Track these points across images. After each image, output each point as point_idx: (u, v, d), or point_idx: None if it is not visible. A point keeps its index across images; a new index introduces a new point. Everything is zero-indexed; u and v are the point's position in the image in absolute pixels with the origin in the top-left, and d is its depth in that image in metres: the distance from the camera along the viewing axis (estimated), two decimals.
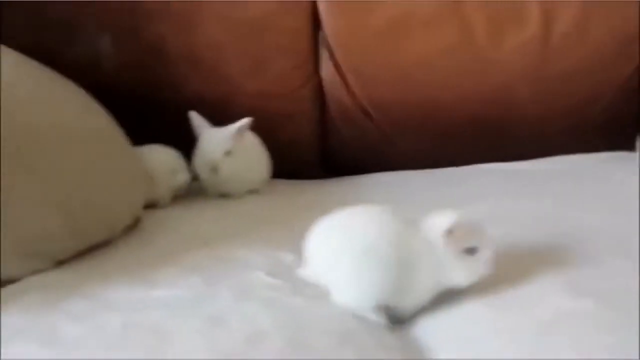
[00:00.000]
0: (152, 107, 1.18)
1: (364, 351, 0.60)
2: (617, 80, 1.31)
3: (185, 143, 1.10)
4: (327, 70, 1.25)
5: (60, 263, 0.78)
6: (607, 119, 1.32)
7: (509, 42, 1.27)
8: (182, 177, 1.06)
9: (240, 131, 1.06)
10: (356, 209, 0.70)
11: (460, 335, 0.64)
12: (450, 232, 0.65)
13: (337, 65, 1.25)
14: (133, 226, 0.95)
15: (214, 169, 1.05)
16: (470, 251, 0.66)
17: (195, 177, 1.09)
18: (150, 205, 1.03)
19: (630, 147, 1.29)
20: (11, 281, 0.69)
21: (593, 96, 1.31)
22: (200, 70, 1.19)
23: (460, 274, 0.66)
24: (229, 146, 1.05)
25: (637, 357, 0.53)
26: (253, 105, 1.22)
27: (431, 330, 0.66)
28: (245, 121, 1.07)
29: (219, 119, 1.18)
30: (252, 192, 1.12)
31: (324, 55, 1.25)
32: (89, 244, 0.82)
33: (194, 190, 1.11)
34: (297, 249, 0.84)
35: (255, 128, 1.20)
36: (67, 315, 0.62)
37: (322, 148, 1.30)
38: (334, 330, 0.62)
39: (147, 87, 1.18)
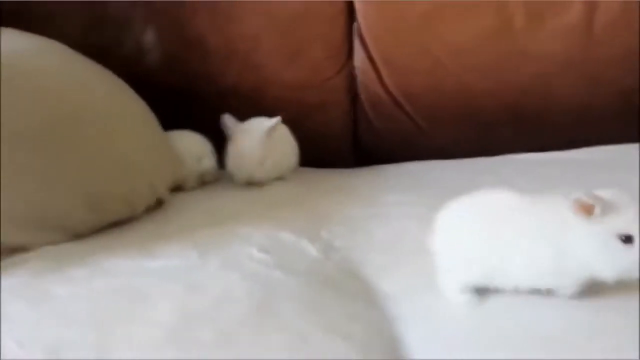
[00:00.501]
0: (190, 97, 1.24)
1: (327, 319, 0.62)
2: None
3: (221, 132, 1.14)
4: (360, 60, 1.27)
5: (78, 236, 0.85)
6: None
7: (548, 29, 1.23)
8: (207, 162, 1.11)
9: (271, 132, 1.09)
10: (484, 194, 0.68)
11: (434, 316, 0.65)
12: (584, 207, 0.57)
13: (369, 55, 1.26)
14: (157, 206, 1.00)
15: (251, 178, 1.08)
16: (627, 239, 0.57)
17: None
18: (178, 188, 1.08)
19: None
20: (25, 249, 0.76)
21: (638, 84, 1.24)
22: (236, 62, 1.24)
23: (606, 264, 0.58)
24: (262, 155, 1.07)
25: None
26: (287, 95, 1.26)
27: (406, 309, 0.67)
28: (275, 121, 1.09)
29: (254, 108, 1.23)
30: (279, 179, 1.15)
31: (357, 45, 1.27)
32: (107, 221, 0.89)
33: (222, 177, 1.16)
34: (304, 230, 0.88)
35: (288, 117, 1.24)
36: (62, 279, 0.67)
37: (354, 138, 1.32)
38: (303, 299, 0.65)
39: (186, 78, 1.25)
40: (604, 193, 0.58)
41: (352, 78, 1.28)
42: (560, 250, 0.59)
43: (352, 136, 1.32)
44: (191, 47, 1.24)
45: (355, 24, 1.26)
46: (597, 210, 0.57)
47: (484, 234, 0.64)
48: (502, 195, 0.66)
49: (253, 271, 0.71)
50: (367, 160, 1.32)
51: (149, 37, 1.24)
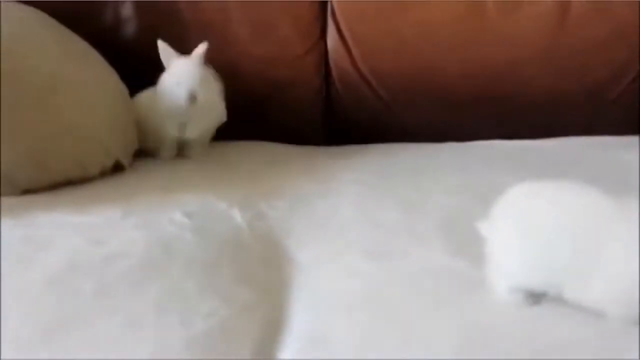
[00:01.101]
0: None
1: (214, 281, 0.65)
2: None
3: None
4: (332, 38, 1.28)
5: (26, 192, 0.89)
6: (629, 99, 1.23)
7: (522, 14, 1.23)
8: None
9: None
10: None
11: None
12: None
13: (341, 35, 1.27)
14: (117, 170, 1.04)
15: (194, 97, 1.03)
16: None
17: None
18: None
19: None
20: None
21: (613, 74, 1.23)
22: (209, 34, 1.25)
23: None
24: (203, 74, 1.06)
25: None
26: (258, 71, 1.28)
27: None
28: (203, 47, 1.08)
29: (227, 81, 1.26)
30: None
31: (330, 25, 1.28)
32: (56, 180, 0.93)
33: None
34: (242, 200, 0.91)
35: (260, 92, 1.27)
36: None
37: (326, 116, 1.33)
38: (198, 260, 0.68)
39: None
40: None
41: (324, 55, 1.29)
42: None
43: (323, 114, 1.33)
44: (166, 20, 1.26)
45: (329, 4, 1.27)
46: None
47: (560, 236, 0.54)
48: (587, 192, 0.55)
49: (163, 232, 0.74)
50: (339, 139, 1.34)
51: (127, 9, 1.27)
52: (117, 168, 1.05)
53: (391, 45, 1.26)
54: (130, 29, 1.28)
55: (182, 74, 1.05)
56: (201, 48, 1.07)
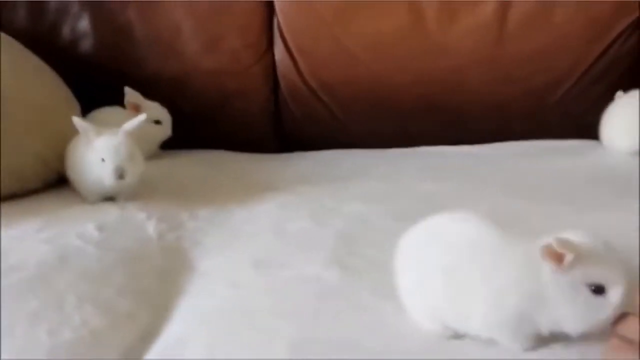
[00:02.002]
0: (120, 81, 1.32)
1: (100, 292, 0.70)
2: (581, 65, 1.23)
3: None
4: (279, 51, 1.32)
5: None
6: (570, 104, 1.25)
7: (460, 25, 1.26)
8: None
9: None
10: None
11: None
12: (554, 255, 0.51)
13: (287, 47, 1.31)
14: (63, 182, 1.10)
15: (122, 176, 0.93)
16: (598, 290, 0.51)
17: None
18: None
19: (595, 135, 1.22)
20: None
21: (554, 80, 1.25)
22: (159, 49, 1.32)
23: (570, 316, 0.52)
24: (133, 149, 0.95)
25: None
26: (207, 82, 1.33)
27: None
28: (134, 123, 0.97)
29: (177, 93, 1.32)
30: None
31: (277, 38, 1.32)
32: None
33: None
34: (165, 211, 0.95)
35: (210, 103, 1.32)
36: None
37: (276, 124, 1.37)
38: (89, 273, 0.74)
39: (117, 64, 1.33)
40: (576, 237, 0.52)
41: (272, 67, 1.33)
42: (525, 298, 0.53)
43: (273, 123, 1.38)
44: (121, 34, 1.32)
45: (275, 17, 1.31)
46: (568, 258, 0.51)
47: (439, 271, 0.57)
48: (469, 225, 0.58)
49: (66, 246, 0.79)
50: (291, 147, 1.38)
51: (83, 25, 1.33)
52: (62, 180, 1.11)
53: (336, 57, 1.29)
54: (87, 44, 1.34)
55: (109, 150, 0.93)
56: (130, 125, 0.96)
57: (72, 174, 1.01)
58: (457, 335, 0.58)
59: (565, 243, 0.51)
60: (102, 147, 0.93)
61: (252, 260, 0.79)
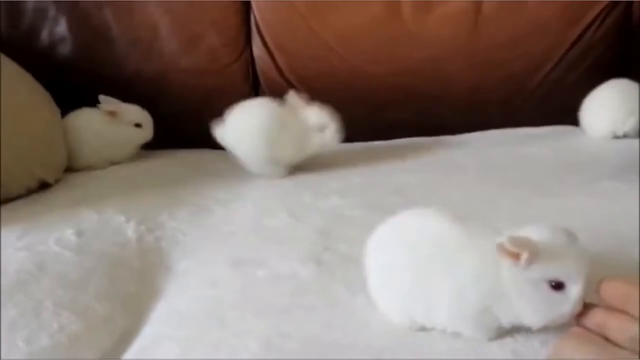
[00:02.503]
0: (100, 82, 1.34)
1: (76, 297, 0.71)
2: (558, 50, 1.24)
3: None
4: (257, 47, 1.33)
5: None
6: (547, 91, 1.26)
7: (436, 15, 1.26)
8: None
9: None
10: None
11: None
12: (510, 253, 0.51)
13: (265, 43, 1.32)
14: (45, 187, 1.11)
15: None
16: (557, 286, 0.51)
17: None
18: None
19: (574, 120, 1.23)
20: None
21: (530, 67, 1.25)
22: (137, 50, 1.32)
23: (529, 311, 0.53)
24: None
25: None
26: (187, 81, 1.34)
27: None
28: None
29: (157, 92, 1.32)
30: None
31: (255, 34, 1.32)
32: None
33: None
34: (144, 213, 0.96)
35: (191, 101, 1.32)
36: None
37: None
38: (67, 278, 0.75)
39: (95, 65, 1.34)
40: (536, 232, 0.53)
41: (251, 65, 1.34)
42: (487, 292, 0.54)
43: None
44: (98, 36, 1.33)
45: (252, 14, 1.31)
46: (524, 256, 0.51)
47: (405, 268, 0.58)
48: (433, 221, 0.59)
49: (44, 252, 0.80)
50: None
51: (61, 28, 1.33)
52: (44, 185, 1.12)
53: (314, 51, 1.30)
54: (65, 47, 1.34)
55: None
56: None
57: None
58: (425, 329, 0.60)
59: (519, 241, 0.51)
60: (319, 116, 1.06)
61: (230, 259, 0.80)
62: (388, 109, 1.32)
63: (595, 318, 0.52)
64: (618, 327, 0.50)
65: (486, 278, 0.54)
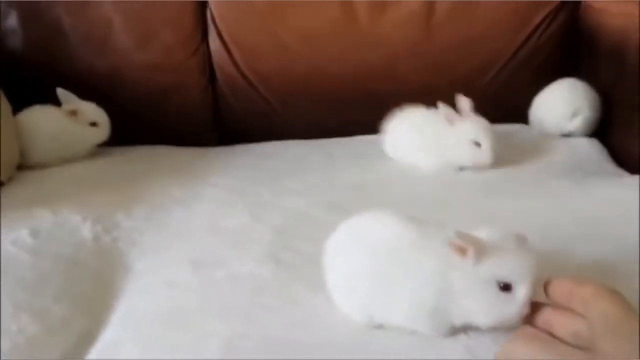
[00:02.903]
0: (52, 78, 1.30)
1: (33, 299, 0.71)
2: (507, 51, 1.28)
3: None
4: (214, 42, 1.32)
5: None
6: (497, 90, 1.30)
7: (391, 15, 1.29)
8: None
9: None
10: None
11: None
12: (458, 248, 0.54)
13: (222, 39, 1.32)
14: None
15: None
16: (505, 287, 0.54)
17: None
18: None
19: (523, 119, 1.27)
20: None
21: (482, 67, 1.29)
22: (91, 45, 1.30)
23: (479, 311, 0.55)
24: None
25: None
26: (141, 77, 1.32)
27: None
28: None
29: (110, 88, 1.31)
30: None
31: (211, 30, 1.32)
32: None
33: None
34: (101, 212, 0.95)
35: (146, 97, 1.31)
36: None
37: (214, 117, 1.38)
38: (25, 280, 0.75)
39: (48, 60, 1.31)
40: (486, 233, 0.55)
41: (207, 60, 1.34)
42: (441, 292, 0.56)
43: (212, 115, 1.38)
44: (50, 30, 1.30)
45: (208, 9, 1.31)
46: (470, 252, 0.54)
47: (364, 270, 0.60)
48: (389, 222, 0.61)
49: (2, 253, 0.79)
50: (231, 139, 1.38)
51: (11, 22, 1.30)
52: None
53: (271, 49, 1.30)
54: (15, 41, 1.31)
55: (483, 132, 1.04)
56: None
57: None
58: (383, 327, 0.62)
59: (465, 236, 0.54)
60: (474, 130, 1.02)
61: (188, 259, 0.80)
62: (344, 108, 1.33)
63: (542, 316, 0.55)
64: (562, 324, 0.53)
65: (439, 277, 0.57)
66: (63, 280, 0.76)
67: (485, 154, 1.02)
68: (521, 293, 0.53)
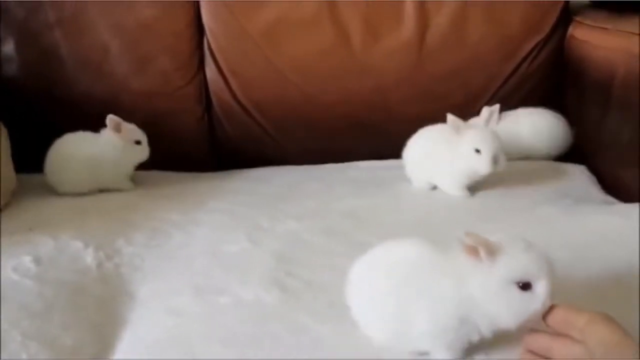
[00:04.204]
0: (49, 103, 1.32)
1: (39, 327, 0.72)
2: (495, 82, 1.32)
3: None
4: (210, 70, 1.35)
5: None
6: None
7: (384, 46, 1.32)
8: None
9: None
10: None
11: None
12: (470, 249, 0.57)
13: (219, 67, 1.34)
14: None
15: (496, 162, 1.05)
16: (525, 286, 0.57)
17: None
18: None
19: None
20: None
21: (471, 97, 1.33)
22: (88, 70, 1.31)
23: (504, 314, 0.57)
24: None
25: None
26: (138, 103, 1.34)
27: None
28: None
29: (106, 114, 1.31)
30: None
31: (208, 57, 1.34)
32: None
33: None
34: (102, 238, 0.96)
35: (142, 123, 1.32)
36: None
37: (211, 142, 1.40)
38: (29, 308, 0.76)
39: (45, 86, 1.32)
40: (495, 238, 0.58)
41: (205, 87, 1.36)
42: (461, 305, 0.59)
43: (208, 141, 1.40)
44: (47, 57, 1.31)
45: (204, 38, 1.33)
46: (482, 251, 0.56)
47: (390, 296, 0.62)
48: (408, 248, 0.64)
49: (4, 281, 0.79)
50: (227, 165, 1.40)
51: (9, 49, 1.31)
52: None
53: (267, 77, 1.33)
54: (13, 68, 1.32)
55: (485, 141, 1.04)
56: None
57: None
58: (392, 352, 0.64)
59: (475, 237, 0.57)
60: (477, 139, 1.03)
61: (191, 285, 0.82)
62: (339, 136, 1.36)
63: (542, 343, 0.58)
64: (561, 350, 0.56)
65: (459, 290, 0.59)
66: (69, 307, 0.77)
67: (484, 161, 1.03)
68: (541, 289, 0.56)
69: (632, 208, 0.99)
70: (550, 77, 1.35)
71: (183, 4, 1.31)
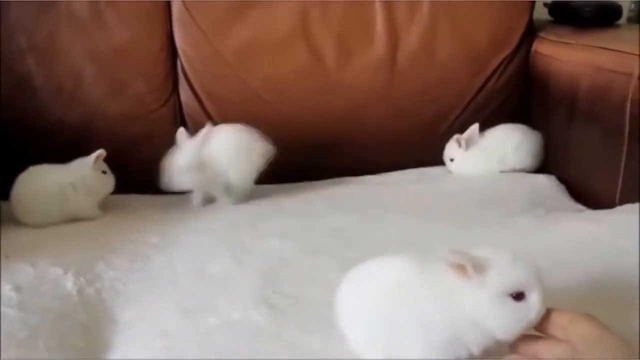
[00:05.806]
0: (21, 132, 1.31)
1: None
2: (464, 97, 1.36)
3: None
4: (184, 93, 1.35)
5: None
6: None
7: (356, 65, 1.35)
8: None
9: None
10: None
11: None
12: (458, 267, 0.57)
13: (193, 89, 1.35)
14: None
15: None
16: (518, 296, 0.57)
17: None
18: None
19: None
20: None
21: (442, 112, 1.36)
22: (61, 97, 1.31)
23: (500, 326, 0.58)
24: None
25: None
26: (112, 128, 1.33)
27: None
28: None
29: (81, 140, 1.31)
30: None
31: (182, 80, 1.35)
32: None
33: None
34: (81, 263, 0.95)
35: (117, 147, 1.32)
36: None
37: None
38: (14, 334, 0.75)
39: (17, 114, 1.30)
40: (480, 252, 0.58)
41: (178, 110, 1.36)
42: (454, 321, 0.58)
43: None
44: (19, 84, 1.30)
45: (178, 60, 1.34)
46: (468, 268, 0.56)
47: (377, 313, 0.62)
48: (397, 266, 0.64)
49: None
50: None
51: None
52: None
53: (241, 98, 1.34)
54: None
55: None
56: None
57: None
58: None
59: (460, 253, 0.57)
60: None
61: (176, 307, 0.81)
62: (314, 152, 1.37)
63: (528, 345, 0.60)
64: (547, 350, 0.58)
65: (450, 308, 0.59)
66: (53, 334, 0.76)
67: None
68: (535, 297, 0.57)
69: (602, 214, 1.02)
70: (517, 91, 1.39)
71: (156, 28, 1.32)
